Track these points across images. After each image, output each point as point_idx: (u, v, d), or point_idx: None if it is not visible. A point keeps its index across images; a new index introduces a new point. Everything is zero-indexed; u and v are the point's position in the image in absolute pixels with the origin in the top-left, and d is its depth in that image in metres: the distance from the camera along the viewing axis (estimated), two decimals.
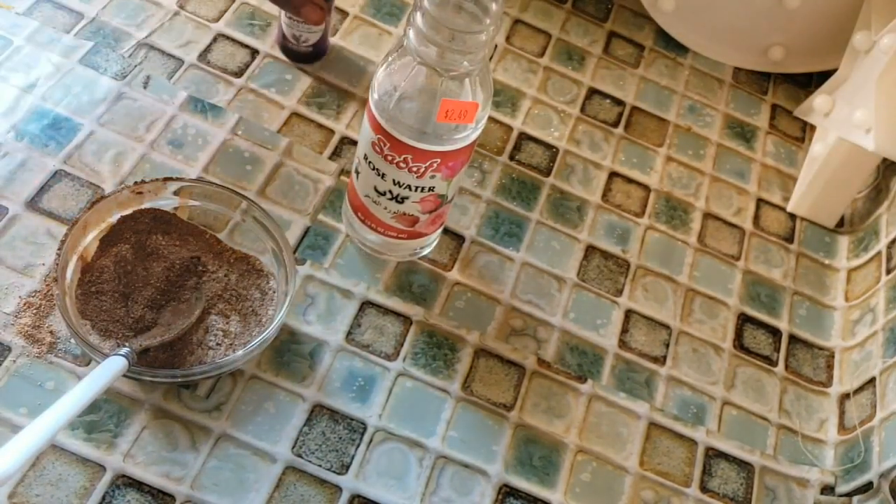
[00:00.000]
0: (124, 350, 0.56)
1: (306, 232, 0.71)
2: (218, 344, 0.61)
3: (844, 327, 0.78)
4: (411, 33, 0.56)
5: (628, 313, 0.74)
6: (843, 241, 0.85)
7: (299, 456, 0.60)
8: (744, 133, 0.91)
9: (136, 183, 0.64)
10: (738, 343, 0.75)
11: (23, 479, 0.55)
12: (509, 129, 0.83)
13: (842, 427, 0.71)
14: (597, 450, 0.66)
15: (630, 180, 0.83)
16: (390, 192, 0.63)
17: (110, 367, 0.54)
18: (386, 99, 0.59)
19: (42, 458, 0.56)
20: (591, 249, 0.77)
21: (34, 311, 0.61)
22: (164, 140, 0.72)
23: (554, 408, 0.67)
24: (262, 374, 0.63)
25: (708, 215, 0.83)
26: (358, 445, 0.62)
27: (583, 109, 0.87)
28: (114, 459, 0.57)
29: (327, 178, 0.74)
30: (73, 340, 0.60)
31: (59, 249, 0.59)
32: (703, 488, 0.67)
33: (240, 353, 0.59)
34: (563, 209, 0.79)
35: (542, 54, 0.90)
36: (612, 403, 0.69)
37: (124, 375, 0.56)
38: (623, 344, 0.72)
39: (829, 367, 0.76)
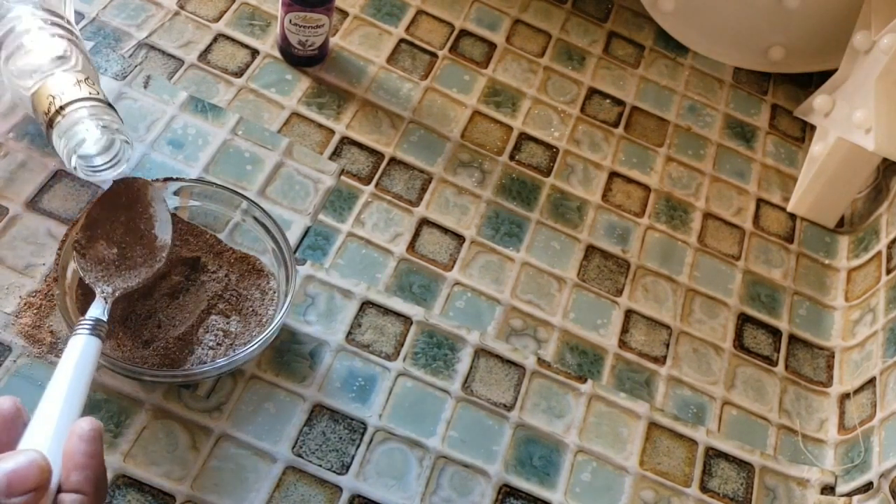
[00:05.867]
0: (90, 320, 0.52)
1: (306, 232, 0.71)
2: (218, 344, 0.61)
3: (844, 327, 0.78)
4: None
5: (628, 313, 0.74)
6: (843, 241, 0.85)
7: (299, 456, 0.60)
8: (744, 133, 0.91)
9: None
10: (739, 343, 0.75)
11: None
12: (509, 129, 0.83)
13: (842, 427, 0.71)
14: (597, 450, 0.66)
15: (630, 180, 0.83)
16: None
17: (83, 350, 0.51)
18: None
19: None
20: (591, 249, 0.77)
21: (34, 311, 0.61)
22: (164, 140, 0.72)
23: (554, 408, 0.67)
24: (262, 374, 0.63)
25: (708, 215, 0.83)
26: (358, 445, 0.62)
27: (583, 109, 0.87)
28: (114, 459, 0.57)
29: (327, 178, 0.74)
30: None
31: (59, 249, 0.59)
32: (703, 488, 0.67)
33: (240, 353, 0.59)
34: (563, 209, 0.79)
35: (542, 54, 0.90)
36: (612, 403, 0.69)
37: (125, 376, 0.56)
38: (623, 344, 0.72)
39: (829, 367, 0.76)
